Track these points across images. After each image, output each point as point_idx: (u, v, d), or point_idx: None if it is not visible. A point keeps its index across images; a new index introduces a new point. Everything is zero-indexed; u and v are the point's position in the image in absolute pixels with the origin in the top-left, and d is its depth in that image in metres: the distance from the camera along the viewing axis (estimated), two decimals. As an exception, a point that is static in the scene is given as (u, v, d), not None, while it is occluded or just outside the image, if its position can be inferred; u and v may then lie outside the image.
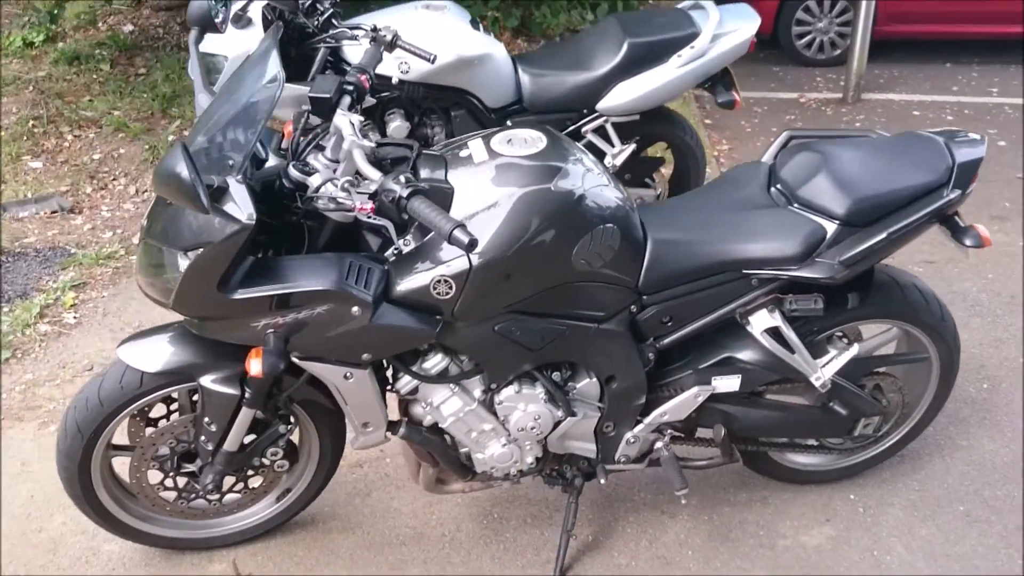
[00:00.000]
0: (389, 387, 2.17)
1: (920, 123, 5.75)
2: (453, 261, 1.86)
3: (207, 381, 2.05)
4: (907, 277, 2.42)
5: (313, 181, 1.84)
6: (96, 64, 5.83)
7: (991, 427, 2.94)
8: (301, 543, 2.51)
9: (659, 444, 2.36)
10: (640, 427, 2.28)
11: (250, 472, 2.35)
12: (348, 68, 3.20)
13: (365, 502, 2.66)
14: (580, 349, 2.11)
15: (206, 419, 2.10)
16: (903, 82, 6.59)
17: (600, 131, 3.59)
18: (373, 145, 1.84)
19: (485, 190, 1.89)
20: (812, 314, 2.18)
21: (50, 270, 3.90)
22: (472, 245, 1.62)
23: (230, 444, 2.16)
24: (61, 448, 2.16)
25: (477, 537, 2.53)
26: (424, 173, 1.94)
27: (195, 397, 2.19)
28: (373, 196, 1.77)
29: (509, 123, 3.51)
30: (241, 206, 1.72)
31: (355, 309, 1.85)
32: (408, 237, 1.91)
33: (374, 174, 1.76)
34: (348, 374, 2.01)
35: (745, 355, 2.25)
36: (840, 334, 2.38)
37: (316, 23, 3.15)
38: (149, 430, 2.24)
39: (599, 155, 3.53)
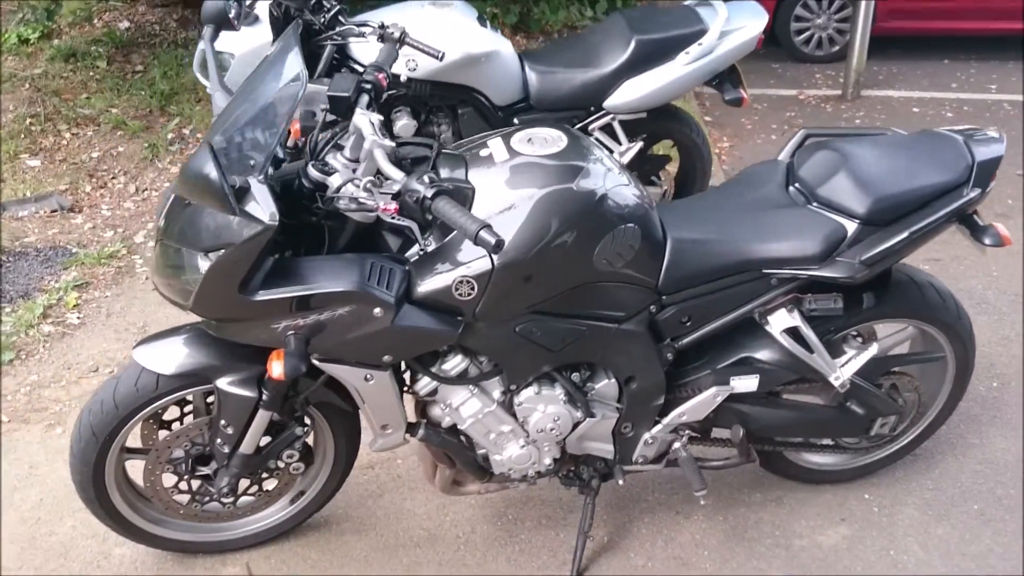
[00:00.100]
0: (406, 388, 2.15)
1: (920, 120, 5.75)
2: (475, 262, 1.84)
3: (224, 383, 2.03)
4: (923, 276, 2.41)
5: (333, 181, 1.82)
6: (92, 61, 5.78)
7: (1002, 425, 2.94)
8: (315, 545, 2.49)
9: (676, 445, 2.34)
10: (658, 428, 2.27)
11: (265, 475, 2.33)
12: (363, 67, 3.21)
13: (378, 503, 2.64)
14: (600, 350, 2.10)
15: (222, 422, 2.08)
16: (901, 79, 6.59)
17: (607, 129, 3.58)
18: (394, 145, 1.82)
19: (506, 190, 1.88)
20: (832, 314, 2.18)
21: (52, 270, 3.86)
22: (499, 246, 1.60)
23: (246, 447, 2.13)
24: (75, 452, 2.14)
25: (492, 539, 2.52)
26: (444, 172, 1.92)
27: (210, 399, 2.17)
28: (396, 196, 1.75)
29: (516, 121, 3.50)
30: (264, 206, 1.70)
31: (377, 311, 1.83)
32: (428, 238, 1.89)
33: (397, 174, 1.74)
34: (368, 376, 1.98)
35: (763, 355, 2.24)
36: (855, 333, 2.37)
37: (323, 20, 3.13)
38: (162, 433, 2.22)
39: (606, 153, 3.51)
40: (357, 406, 2.13)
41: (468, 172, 1.93)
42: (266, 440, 2.20)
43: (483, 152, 1.97)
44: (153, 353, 2.05)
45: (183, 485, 2.28)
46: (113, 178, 4.80)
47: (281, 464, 2.28)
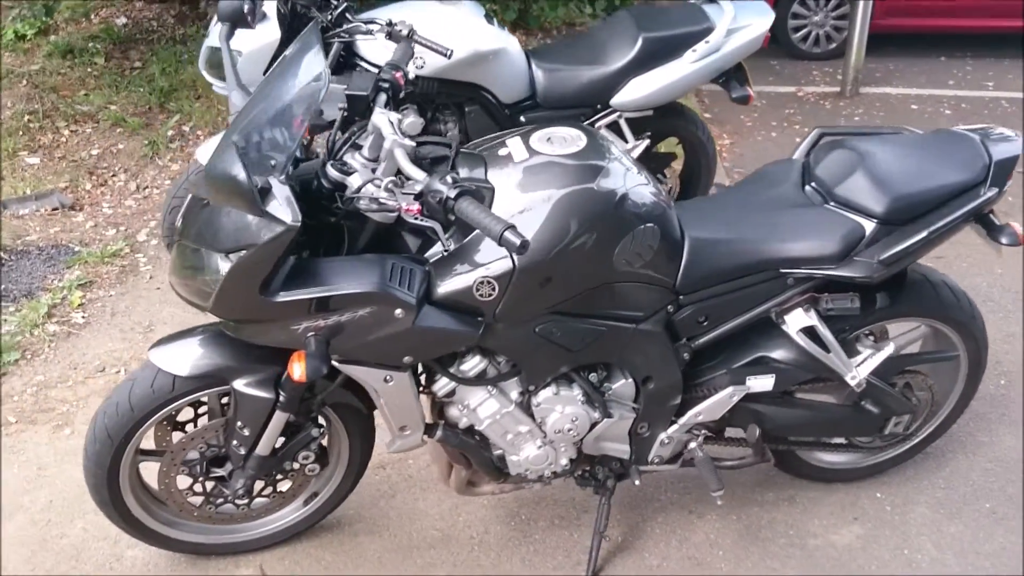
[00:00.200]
0: (422, 389, 2.14)
1: (919, 117, 5.77)
2: (496, 262, 1.83)
3: (240, 385, 2.01)
4: (937, 275, 2.41)
5: (353, 181, 1.80)
6: (90, 57, 5.73)
7: (1011, 423, 2.95)
8: (328, 547, 2.48)
9: (692, 445, 2.34)
10: (674, 428, 2.27)
11: (279, 476, 2.32)
12: (374, 64, 3.19)
13: (390, 504, 2.63)
14: (618, 350, 2.09)
15: (239, 423, 2.06)
16: (899, 76, 6.60)
17: (613, 126, 3.57)
18: (414, 144, 1.81)
19: (526, 190, 1.86)
20: (848, 313, 2.17)
21: (55, 268, 3.83)
22: (524, 247, 1.59)
23: (262, 448, 2.12)
24: (89, 454, 2.12)
25: (506, 539, 2.51)
26: (463, 172, 1.91)
27: (224, 401, 2.16)
28: (418, 197, 1.74)
29: (523, 119, 3.49)
30: (286, 207, 1.68)
31: (398, 311, 1.82)
32: (449, 238, 1.88)
33: (419, 174, 1.72)
34: (388, 377, 1.97)
35: (779, 354, 2.23)
36: (867, 332, 2.37)
37: (330, 17, 3.11)
38: (176, 434, 2.20)
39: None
40: (372, 407, 2.12)
41: (487, 172, 1.92)
42: (281, 441, 2.19)
43: (502, 151, 1.96)
44: (169, 354, 2.03)
45: (197, 487, 2.27)
46: (113, 175, 4.77)
47: (296, 465, 2.27)
